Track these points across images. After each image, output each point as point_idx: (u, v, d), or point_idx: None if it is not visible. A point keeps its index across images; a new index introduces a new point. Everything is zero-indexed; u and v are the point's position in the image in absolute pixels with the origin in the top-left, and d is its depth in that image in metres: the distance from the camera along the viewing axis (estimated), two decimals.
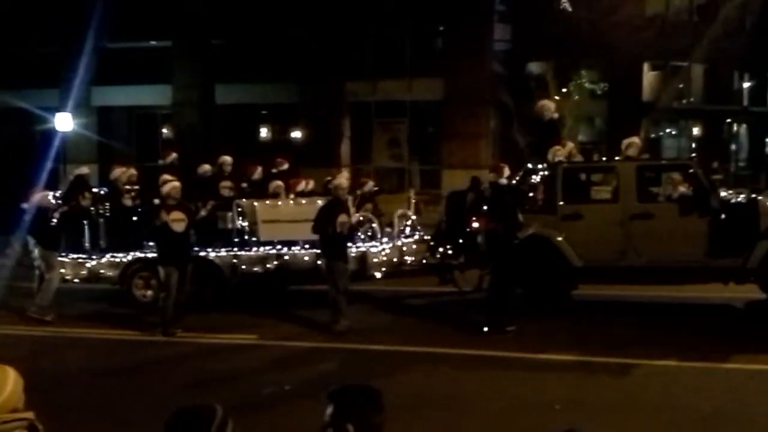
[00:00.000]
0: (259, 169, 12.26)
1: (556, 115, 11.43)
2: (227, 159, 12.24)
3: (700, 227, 9.48)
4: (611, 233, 9.75)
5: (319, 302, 9.90)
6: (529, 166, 10.75)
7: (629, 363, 7.69)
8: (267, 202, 11.07)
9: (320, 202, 10.21)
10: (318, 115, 20.32)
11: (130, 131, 22.69)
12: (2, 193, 21.44)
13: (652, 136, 22.80)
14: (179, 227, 9.48)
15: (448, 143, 20.03)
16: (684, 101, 23.06)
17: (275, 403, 6.83)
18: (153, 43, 21.12)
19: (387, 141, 21.29)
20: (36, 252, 10.87)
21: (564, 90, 20.70)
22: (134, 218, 11.54)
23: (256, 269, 10.87)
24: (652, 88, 22.71)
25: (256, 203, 10.99)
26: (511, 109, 19.68)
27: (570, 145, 10.82)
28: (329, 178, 13.05)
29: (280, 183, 11.57)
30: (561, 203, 10.01)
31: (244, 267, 10.88)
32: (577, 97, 21.10)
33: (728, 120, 24.23)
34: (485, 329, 8.93)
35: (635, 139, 10.69)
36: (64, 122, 19.25)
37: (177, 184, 9.93)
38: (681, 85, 22.88)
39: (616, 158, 10.61)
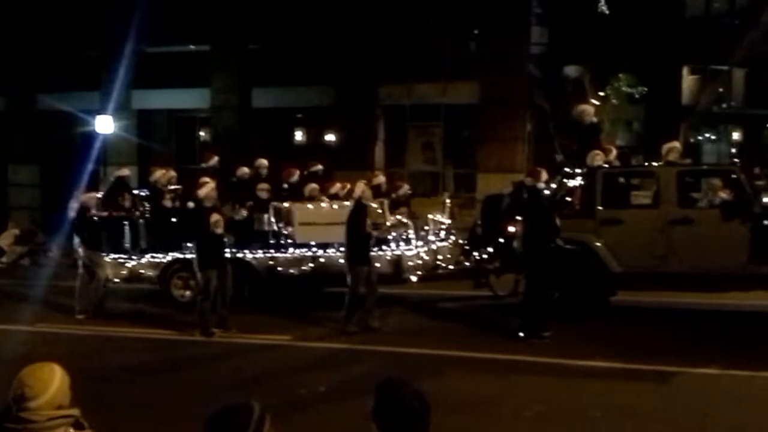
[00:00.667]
0: (297, 172, 12.35)
1: (595, 119, 11.34)
2: (264, 162, 12.38)
3: (742, 233, 9.34)
4: (651, 239, 9.64)
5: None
6: (567, 170, 10.67)
7: (668, 370, 7.61)
8: (304, 204, 11.16)
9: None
10: (352, 119, 20.38)
11: (169, 134, 22.97)
12: (46, 194, 21.98)
13: (692, 140, 22.45)
14: (220, 229, 9.63)
15: (484, 147, 19.93)
16: (724, 105, 22.66)
17: (309, 404, 6.88)
18: (191, 47, 21.39)
19: (421, 144, 21.26)
20: (80, 252, 11.12)
21: (601, 93, 20.48)
22: (174, 219, 11.73)
23: (292, 271, 10.97)
24: (691, 92, 22.36)
25: (292, 206, 11.09)
26: (547, 112, 19.53)
27: (614, 150, 10.69)
28: (363, 181, 13.11)
29: (315, 186, 11.66)
30: (600, 208, 9.92)
31: (280, 268, 10.98)
32: (614, 100, 20.86)
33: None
34: (520, 334, 8.89)
35: (676, 144, 10.55)
36: (104, 125, 19.59)
37: (213, 185, 10.04)
38: (721, 89, 22.49)
39: (657, 163, 10.48)
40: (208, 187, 9.92)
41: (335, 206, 10.99)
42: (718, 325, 9.68)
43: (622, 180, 10.78)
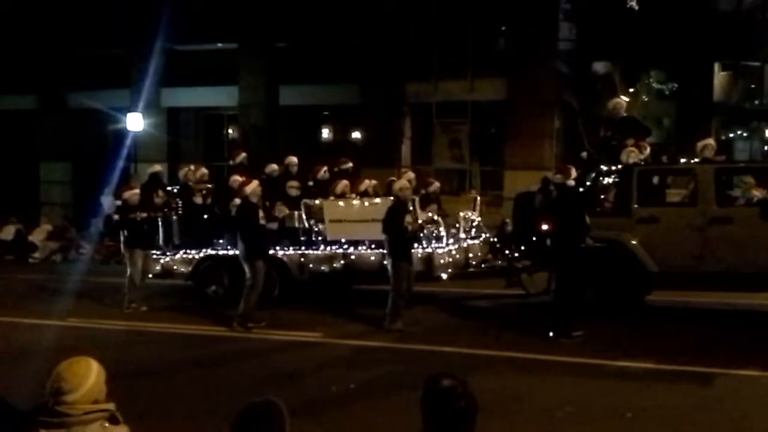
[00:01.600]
0: (325, 169, 12.36)
1: (621, 115, 11.15)
2: (293, 159, 12.41)
3: None
4: (688, 238, 9.45)
5: (383, 302, 9.96)
6: (603, 167, 10.52)
7: (703, 371, 7.48)
8: (335, 201, 11.15)
9: (388, 203, 10.27)
10: (379, 116, 20.37)
11: (198, 131, 23.17)
12: (77, 191, 22.29)
13: (723, 138, 22.11)
14: (271, 225, 10.06)
15: (511, 144, 19.80)
16: (756, 102, 22.28)
17: (340, 401, 6.90)
18: (219, 45, 21.54)
19: (448, 142, 21.18)
20: (122, 248, 11.35)
21: (631, 90, 20.26)
22: (204, 216, 11.85)
23: (322, 268, 11.00)
24: (722, 89, 22.02)
25: (323, 202, 11.10)
26: (576, 109, 19.35)
27: (648, 147, 10.52)
28: (393, 178, 13.07)
29: (346, 182, 11.66)
30: (636, 206, 9.77)
31: (311, 265, 11.02)
32: (644, 97, 20.62)
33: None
34: (551, 333, 8.81)
35: (711, 141, 10.36)
36: (135, 122, 19.81)
37: (257, 182, 10.30)
38: (753, 86, 22.13)
39: (693, 160, 10.29)
40: (254, 184, 10.15)
41: (366, 203, 10.96)
42: (756, 326, 9.50)
43: (658, 178, 10.60)
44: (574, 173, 9.54)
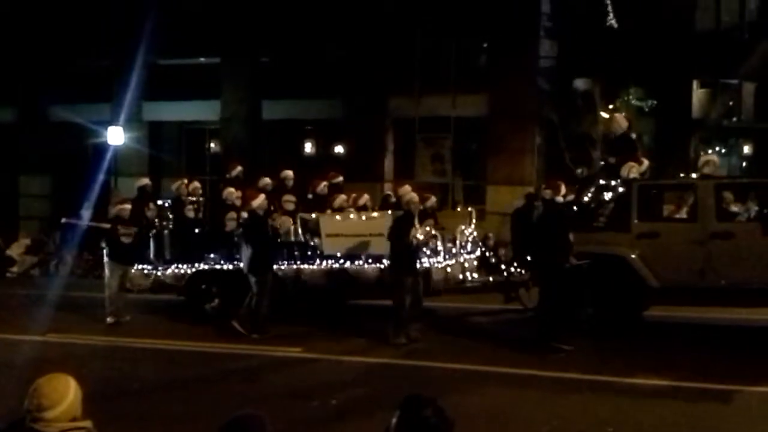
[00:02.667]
0: (324, 183, 12.25)
1: (620, 131, 11.14)
2: (289, 173, 12.33)
3: None
4: (689, 253, 9.46)
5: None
6: (602, 182, 10.54)
7: (694, 387, 7.50)
8: (332, 215, 11.02)
9: (385, 217, 10.25)
10: (361, 130, 20.43)
11: (180, 145, 23.08)
12: (57, 205, 22.06)
13: (701, 154, 22.35)
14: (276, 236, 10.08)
15: (493, 159, 19.92)
16: (734, 119, 22.57)
17: (321, 418, 6.85)
18: (202, 59, 21.53)
19: (430, 156, 21.27)
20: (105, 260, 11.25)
21: (611, 107, 20.44)
22: (196, 230, 11.76)
23: (318, 282, 10.89)
24: (701, 106, 22.28)
25: (320, 216, 11.00)
26: (556, 125, 19.51)
27: (646, 162, 10.57)
28: (388, 192, 13.07)
29: (344, 197, 11.61)
30: (636, 221, 9.75)
31: (306, 280, 10.90)
32: (624, 114, 20.81)
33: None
34: (541, 346, 8.79)
35: (712, 157, 10.46)
36: (115, 136, 19.70)
37: (264, 196, 10.41)
38: (731, 103, 22.41)
39: (694, 175, 10.32)
40: (261, 197, 10.26)
41: (363, 217, 10.86)
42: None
43: (658, 193, 10.63)
44: (563, 189, 9.52)
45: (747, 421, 6.59)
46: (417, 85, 20.00)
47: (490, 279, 11.25)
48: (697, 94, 22.41)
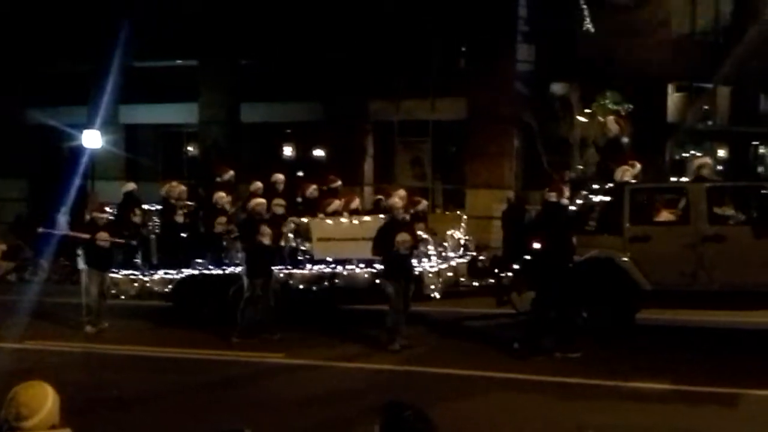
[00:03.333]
0: (314, 187, 12.14)
1: (612, 135, 11.16)
2: (280, 177, 12.18)
3: None
4: (681, 256, 9.48)
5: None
6: (596, 185, 10.54)
7: (670, 389, 7.55)
8: (323, 219, 10.93)
9: (377, 221, 10.15)
10: (341, 134, 20.43)
11: (157, 149, 22.91)
12: (33, 209, 21.80)
13: (677, 157, 22.61)
14: (267, 241, 9.89)
15: (472, 163, 20.02)
16: (709, 122, 22.87)
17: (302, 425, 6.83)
18: (179, 62, 21.40)
19: (410, 160, 21.33)
20: (81, 266, 11.06)
21: (588, 111, 20.62)
22: (183, 234, 11.59)
23: (309, 287, 10.79)
24: (676, 109, 22.56)
25: (311, 221, 10.86)
26: (534, 129, 19.64)
27: (638, 165, 10.63)
28: (380, 196, 12.99)
29: (338, 201, 11.52)
30: (628, 224, 9.77)
31: (297, 285, 10.80)
32: (600, 117, 21.01)
33: (754, 142, 23.98)
34: (516, 346, 8.77)
35: (707, 160, 10.50)
36: (92, 139, 19.49)
37: (263, 200, 10.31)
38: (706, 107, 22.70)
39: (685, 179, 10.34)
40: (257, 201, 10.21)
41: (355, 221, 10.76)
42: (748, 344, 9.46)
43: (650, 196, 10.66)
44: (567, 192, 9.49)
45: (739, 424, 6.60)
46: (397, 88, 20.03)
47: (485, 282, 11.16)
48: (673, 98, 22.68)
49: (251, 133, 21.53)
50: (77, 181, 19.08)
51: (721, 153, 23.59)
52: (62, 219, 16.09)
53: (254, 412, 6.88)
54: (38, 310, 12.54)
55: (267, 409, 7.12)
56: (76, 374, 8.51)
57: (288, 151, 22.47)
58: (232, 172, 12.54)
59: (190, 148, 22.83)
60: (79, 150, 19.96)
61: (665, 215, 10.64)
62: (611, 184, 10.16)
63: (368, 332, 10.01)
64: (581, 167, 19.59)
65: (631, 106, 21.85)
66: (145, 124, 22.42)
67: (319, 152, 21.73)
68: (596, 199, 10.39)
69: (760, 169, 24.07)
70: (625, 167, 10.15)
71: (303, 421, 6.86)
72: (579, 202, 10.20)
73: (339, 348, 9.64)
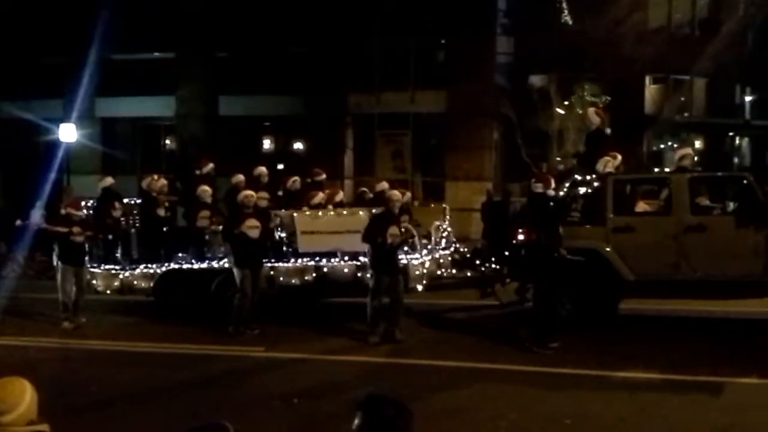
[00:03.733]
0: (294, 179, 12.04)
1: (594, 126, 11.12)
2: (263, 170, 12.05)
3: (756, 240, 9.25)
4: (664, 246, 9.51)
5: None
6: (578, 177, 10.55)
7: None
8: (308, 212, 10.83)
9: (362, 213, 10.08)
10: (321, 127, 20.38)
11: (134, 142, 22.72)
12: (8, 204, 21.51)
13: (654, 149, 22.83)
14: (254, 234, 9.82)
15: (452, 155, 20.08)
16: (686, 114, 23.11)
17: (283, 416, 6.81)
18: (157, 54, 21.20)
19: (390, 153, 21.34)
20: (55, 262, 10.88)
21: (566, 102, 20.75)
22: (164, 228, 11.44)
23: (293, 281, 10.67)
24: (654, 101, 22.77)
25: (295, 214, 10.77)
26: (514, 121, 19.72)
27: (619, 157, 10.67)
28: (364, 189, 12.93)
29: (322, 194, 11.43)
30: (611, 215, 9.79)
31: (281, 278, 10.68)
32: (579, 109, 21.15)
33: (730, 133, 24.29)
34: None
35: (689, 150, 10.54)
36: (68, 133, 19.25)
37: (251, 192, 10.17)
38: (683, 99, 22.93)
39: (667, 169, 10.35)
40: (241, 195, 10.09)
41: (340, 214, 10.65)
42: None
43: (633, 187, 10.67)
44: (553, 183, 9.43)
45: (723, 412, 6.64)
46: (376, 81, 20.01)
47: (468, 274, 11.14)
48: (650, 90, 22.90)
49: (230, 126, 21.39)
50: (53, 176, 18.84)
51: (698, 144, 23.87)
52: (37, 213, 15.86)
53: (239, 407, 6.84)
54: (13, 305, 12.35)
55: (252, 403, 7.07)
56: (55, 370, 8.40)
57: (267, 144, 22.37)
58: (212, 165, 12.34)
59: (167, 142, 22.65)
60: (54, 144, 19.71)
61: (648, 206, 10.68)
62: (593, 175, 10.17)
63: (353, 325, 9.95)
64: (559, 159, 19.74)
65: (608, 98, 22.02)
66: (122, 117, 22.21)
67: (298, 146, 21.66)
68: (580, 190, 10.40)
69: (736, 160, 24.41)
70: (607, 158, 10.17)
71: (289, 415, 6.82)
72: (561, 193, 10.20)
73: (324, 341, 9.55)
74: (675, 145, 23.93)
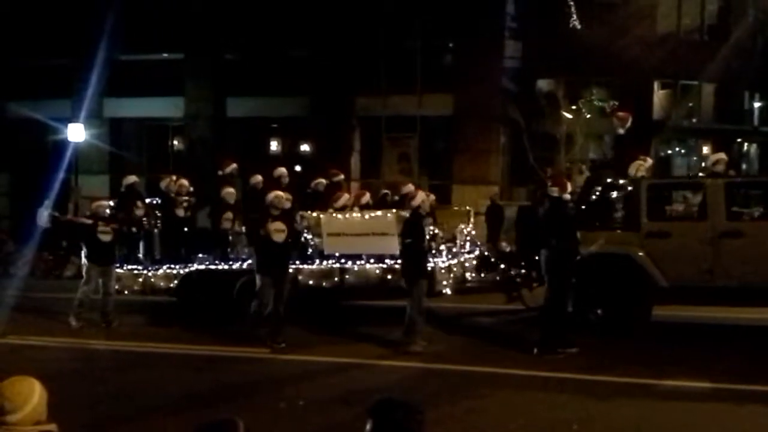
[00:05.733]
0: (319, 180, 11.94)
1: (621, 131, 11.03)
2: (283, 170, 11.92)
3: None
4: (699, 252, 9.32)
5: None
6: (609, 180, 10.34)
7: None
8: (334, 214, 10.64)
9: (390, 216, 9.86)
10: (328, 129, 20.39)
11: (141, 143, 22.75)
12: (16, 203, 21.59)
13: (662, 154, 22.74)
14: (279, 237, 9.40)
15: (458, 158, 20.06)
16: (694, 120, 23.03)
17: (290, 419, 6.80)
18: (165, 55, 21.25)
19: (397, 156, 21.34)
20: (82, 261, 10.83)
21: (573, 107, 20.71)
22: (185, 229, 11.34)
23: (318, 283, 10.48)
24: (662, 107, 22.70)
25: (322, 215, 10.60)
26: (521, 125, 19.70)
27: (650, 160, 10.51)
28: (386, 191, 12.84)
29: (347, 195, 11.32)
30: (645, 220, 9.61)
31: (306, 281, 10.51)
32: (587, 114, 21.11)
33: (738, 140, 24.19)
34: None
35: (722, 155, 10.29)
36: (76, 133, 19.33)
37: (281, 193, 9.79)
38: (691, 104, 22.86)
39: (701, 174, 10.22)
40: (272, 195, 9.72)
41: (367, 216, 10.41)
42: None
43: (667, 191, 10.50)
44: (570, 187, 9.27)
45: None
46: (383, 84, 20.01)
47: (497, 278, 10.99)
48: (658, 95, 22.82)
49: (237, 127, 21.43)
50: (61, 175, 18.92)
51: (706, 150, 23.78)
52: (45, 213, 15.88)
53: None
54: (21, 305, 12.36)
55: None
56: (60, 368, 8.41)
57: (274, 146, 22.38)
58: (234, 166, 12.21)
59: (175, 143, 22.69)
60: (62, 144, 19.78)
61: (682, 211, 10.49)
62: (626, 180, 9.97)
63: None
64: (569, 164, 19.70)
65: (616, 103, 21.95)
66: (129, 117, 22.25)
67: (305, 147, 21.66)
68: (612, 194, 10.16)
69: (744, 166, 24.33)
70: (639, 162, 10.01)
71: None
72: (593, 197, 10.05)
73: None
74: (682, 151, 23.89)
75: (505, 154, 20.69)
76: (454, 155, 20.28)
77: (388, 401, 2.69)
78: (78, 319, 10.65)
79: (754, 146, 25.07)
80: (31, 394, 3.07)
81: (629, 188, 9.94)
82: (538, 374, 7.94)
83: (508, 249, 11.48)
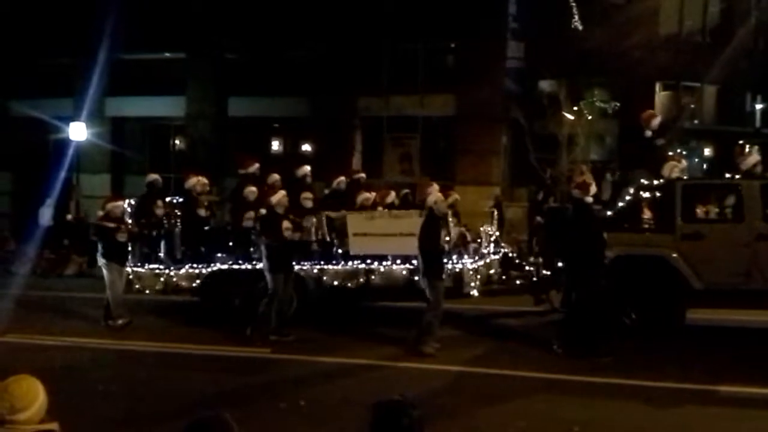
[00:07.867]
0: (341, 179, 11.86)
1: (649, 133, 10.89)
2: (307, 169, 11.83)
3: None
4: (735, 254, 9.25)
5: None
6: (643, 181, 10.16)
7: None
8: (360, 214, 10.56)
9: (416, 216, 9.71)
10: (330, 129, 20.40)
11: (143, 142, 22.76)
12: (18, 202, 21.60)
13: (746, 153, 22.62)
14: (292, 236, 9.51)
15: (460, 159, 20.06)
16: (696, 122, 23.02)
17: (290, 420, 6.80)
18: (167, 55, 21.27)
19: (398, 156, 21.34)
20: (100, 261, 10.80)
21: (575, 108, 20.70)
22: (206, 228, 11.28)
23: (342, 284, 10.38)
24: (664, 108, 22.68)
25: (347, 215, 10.53)
26: (523, 126, 19.70)
27: (684, 161, 10.40)
28: (407, 191, 12.77)
29: (368, 195, 11.22)
30: (680, 222, 9.55)
31: (329, 281, 10.43)
32: (588, 115, 21.11)
33: (740, 141, 24.15)
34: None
35: (758, 157, 10.20)
36: (78, 132, 19.36)
37: (284, 193, 9.83)
38: (693, 106, 22.85)
39: (737, 176, 9.95)
40: (280, 194, 9.76)
41: (393, 216, 10.38)
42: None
43: (702, 193, 10.35)
44: (593, 189, 9.07)
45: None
46: (385, 84, 20.02)
47: (517, 277, 10.91)
48: (660, 97, 22.81)
49: (239, 127, 21.43)
50: (62, 174, 18.95)
51: (707, 152, 23.78)
52: (47, 211, 15.94)
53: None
54: (22, 302, 12.35)
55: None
56: (56, 366, 8.40)
57: (276, 145, 22.39)
58: (257, 165, 12.04)
59: (177, 142, 22.69)
60: (64, 143, 19.81)
61: (718, 212, 10.35)
62: (660, 181, 9.85)
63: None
64: (571, 165, 19.68)
65: (618, 104, 21.98)
66: (131, 117, 22.27)
67: (307, 147, 21.67)
68: (645, 195, 10.03)
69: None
70: (673, 163, 9.90)
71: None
72: (627, 198, 9.97)
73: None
74: (684, 152, 23.84)
75: (506, 155, 20.69)
76: (455, 156, 20.28)
77: (386, 402, 2.70)
78: (122, 318, 10.55)
79: (755, 148, 25.00)
80: (38, 393, 3.11)
81: (663, 190, 9.79)
82: (544, 377, 7.88)
83: (534, 250, 11.34)
